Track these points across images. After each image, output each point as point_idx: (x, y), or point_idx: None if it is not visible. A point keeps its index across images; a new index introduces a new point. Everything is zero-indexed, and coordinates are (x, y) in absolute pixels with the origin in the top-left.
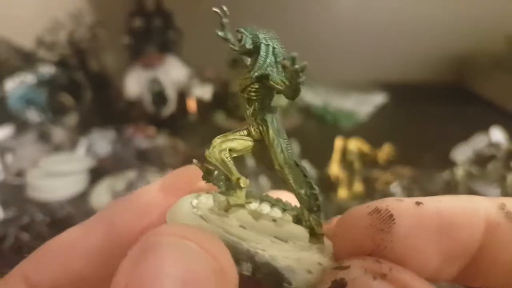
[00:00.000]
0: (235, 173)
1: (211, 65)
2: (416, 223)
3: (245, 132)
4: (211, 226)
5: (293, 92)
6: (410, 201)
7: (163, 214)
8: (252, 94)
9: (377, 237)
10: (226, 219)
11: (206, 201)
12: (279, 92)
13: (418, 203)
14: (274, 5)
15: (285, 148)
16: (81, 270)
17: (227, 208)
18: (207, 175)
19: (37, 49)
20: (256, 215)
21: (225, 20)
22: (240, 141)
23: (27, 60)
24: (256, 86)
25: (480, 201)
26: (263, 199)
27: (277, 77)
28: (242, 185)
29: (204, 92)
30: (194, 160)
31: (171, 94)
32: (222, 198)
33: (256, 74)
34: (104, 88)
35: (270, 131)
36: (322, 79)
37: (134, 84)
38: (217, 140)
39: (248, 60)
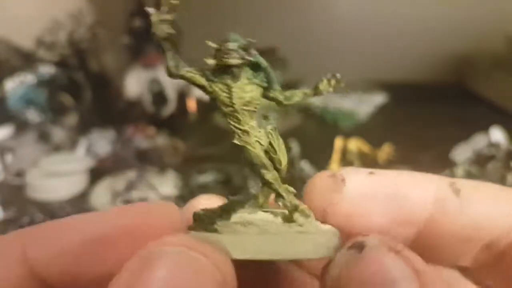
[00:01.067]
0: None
1: None
2: (365, 187)
3: (258, 145)
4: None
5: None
6: (364, 171)
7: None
8: (256, 106)
9: (330, 196)
10: None
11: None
12: (272, 101)
13: (371, 173)
14: (273, 5)
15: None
16: None
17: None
18: (203, 222)
19: (37, 49)
20: None
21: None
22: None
23: (27, 60)
24: (260, 98)
25: (432, 178)
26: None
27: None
28: (308, 212)
29: None
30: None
31: (171, 94)
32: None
33: (278, 88)
34: (104, 88)
35: (279, 137)
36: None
37: (134, 84)
38: (274, 174)
39: (242, 71)
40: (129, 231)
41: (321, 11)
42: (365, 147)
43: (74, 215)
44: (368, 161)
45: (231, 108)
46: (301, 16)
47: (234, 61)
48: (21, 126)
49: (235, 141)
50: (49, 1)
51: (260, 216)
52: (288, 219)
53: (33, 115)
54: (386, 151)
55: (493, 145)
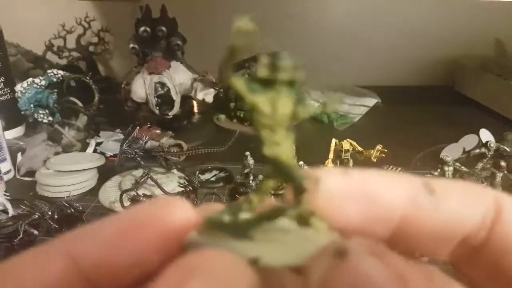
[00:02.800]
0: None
1: (214, 70)
2: (339, 187)
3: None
4: None
5: None
6: (338, 171)
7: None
8: (290, 121)
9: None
10: None
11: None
12: None
13: (345, 173)
14: (268, 11)
15: None
16: None
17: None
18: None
19: (46, 53)
20: None
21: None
22: None
23: (37, 63)
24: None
25: (406, 178)
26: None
27: None
28: (321, 217)
29: (207, 95)
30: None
31: (176, 97)
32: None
33: (307, 104)
34: (111, 91)
35: (294, 146)
36: (315, 82)
37: (141, 88)
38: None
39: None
40: (155, 221)
41: (314, 17)
42: (358, 148)
43: (112, 215)
44: (362, 161)
45: (271, 122)
46: (295, 21)
47: (285, 77)
48: (32, 127)
49: (266, 152)
50: (58, 7)
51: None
52: (304, 223)
53: (43, 117)
54: (378, 151)
55: (483, 146)
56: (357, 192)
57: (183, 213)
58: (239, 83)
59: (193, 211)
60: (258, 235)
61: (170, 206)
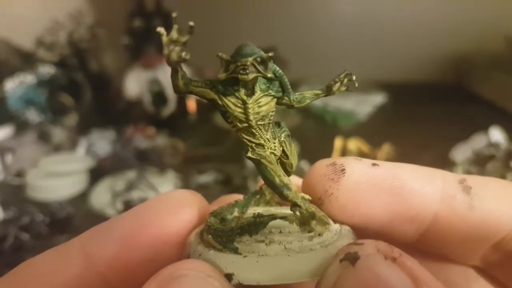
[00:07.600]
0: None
1: (211, 65)
2: (366, 179)
3: (274, 159)
4: None
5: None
6: (367, 162)
7: (144, 248)
8: (271, 118)
9: (326, 184)
10: None
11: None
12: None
13: (374, 164)
14: (274, 8)
15: None
16: None
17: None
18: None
19: (37, 49)
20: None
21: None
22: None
23: (27, 60)
24: (274, 108)
25: (440, 174)
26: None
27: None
28: (325, 219)
29: None
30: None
31: (171, 94)
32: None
33: (295, 97)
34: (104, 88)
35: (291, 142)
36: (321, 79)
37: (134, 84)
38: (292, 187)
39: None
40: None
41: (320, 12)
42: (364, 146)
43: (120, 214)
44: None
45: (246, 124)
46: (301, 16)
47: (251, 76)
48: (21, 126)
49: (249, 155)
50: (49, 1)
51: (276, 223)
52: (305, 225)
53: (33, 115)
54: (385, 151)
55: (493, 145)
56: (385, 186)
57: (191, 211)
58: (203, 88)
59: (201, 205)
60: (246, 243)
61: (180, 202)
